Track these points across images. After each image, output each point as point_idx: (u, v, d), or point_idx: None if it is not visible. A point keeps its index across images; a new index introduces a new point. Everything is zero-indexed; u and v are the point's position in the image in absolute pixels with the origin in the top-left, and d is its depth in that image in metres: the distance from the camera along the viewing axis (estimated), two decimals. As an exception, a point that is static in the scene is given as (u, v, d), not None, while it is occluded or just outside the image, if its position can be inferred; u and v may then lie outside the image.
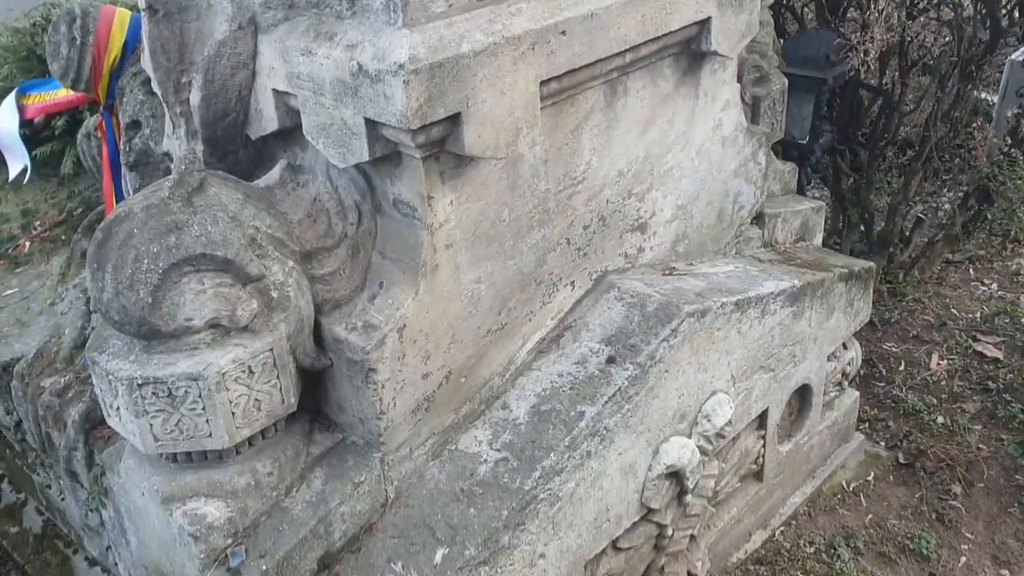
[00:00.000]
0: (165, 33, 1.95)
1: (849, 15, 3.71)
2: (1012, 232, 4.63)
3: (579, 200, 2.23)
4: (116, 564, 2.44)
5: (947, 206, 4.79)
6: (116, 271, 1.70)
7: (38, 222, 3.42)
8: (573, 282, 2.31)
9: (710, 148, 2.58)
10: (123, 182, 2.44)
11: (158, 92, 2.06)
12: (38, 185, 3.62)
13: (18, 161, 3.50)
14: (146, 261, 1.68)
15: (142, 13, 1.94)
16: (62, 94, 3.36)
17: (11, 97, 3.41)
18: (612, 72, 2.14)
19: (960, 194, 4.40)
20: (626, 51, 2.08)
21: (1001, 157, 3.70)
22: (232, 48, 1.90)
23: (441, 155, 1.86)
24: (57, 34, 2.36)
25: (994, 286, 4.51)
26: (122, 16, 2.39)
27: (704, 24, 2.26)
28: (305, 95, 1.85)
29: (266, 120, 2.00)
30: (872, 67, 3.18)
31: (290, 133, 2.03)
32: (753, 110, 2.83)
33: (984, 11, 3.37)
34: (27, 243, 3.31)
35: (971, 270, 4.63)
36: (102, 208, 3.21)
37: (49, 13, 3.78)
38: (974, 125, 3.69)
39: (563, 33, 1.90)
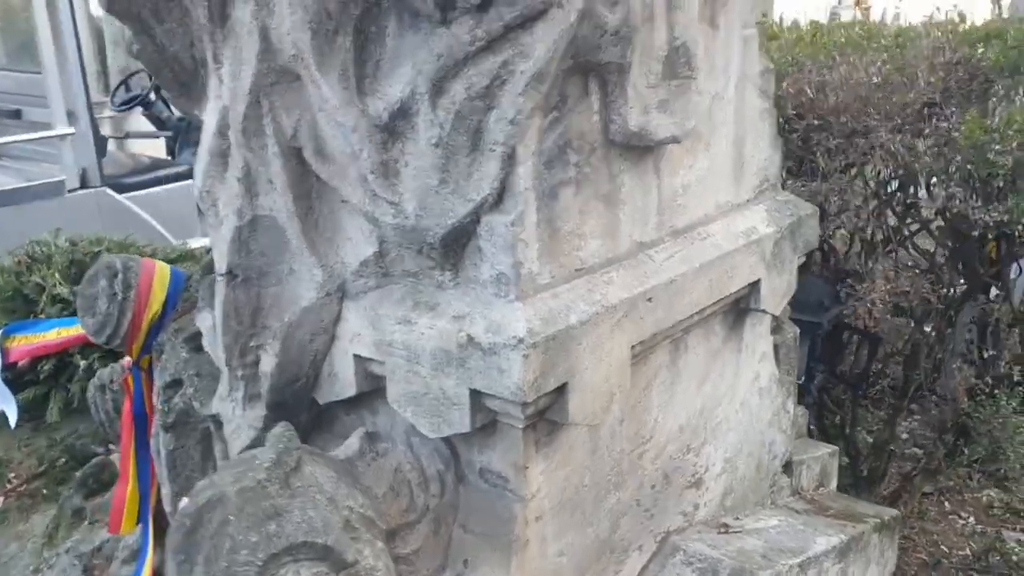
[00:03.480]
0: (241, 298, 1.88)
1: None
2: (988, 468, 4.71)
3: (648, 459, 2.17)
4: None
5: (921, 440, 4.88)
6: (208, 563, 1.53)
7: (12, 474, 3.16)
8: (641, 546, 2.21)
9: (750, 399, 2.59)
10: (155, 442, 2.28)
11: (220, 355, 1.97)
12: (7, 432, 3.38)
13: (-4, 407, 3.27)
14: (244, 552, 1.52)
15: (220, 278, 1.87)
16: (51, 336, 3.19)
17: (-6, 339, 3.23)
18: (679, 331, 2.16)
19: (935, 430, 4.50)
20: (694, 313, 2.11)
21: (982, 396, 3.83)
22: (317, 314, 1.85)
23: (538, 423, 1.79)
24: (94, 288, 2.26)
25: (971, 519, 4.54)
26: (162, 271, 2.32)
27: (755, 285, 2.32)
28: (396, 363, 1.78)
29: (341, 385, 1.92)
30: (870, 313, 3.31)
31: (359, 398, 1.95)
32: (776, 358, 2.88)
33: (960, 261, 3.59)
34: (1, 499, 3.04)
35: (946, 503, 4.67)
36: (98, 460, 3.00)
37: (32, 252, 3.69)
38: (954, 366, 3.83)
39: (649, 300, 1.92)
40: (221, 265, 1.85)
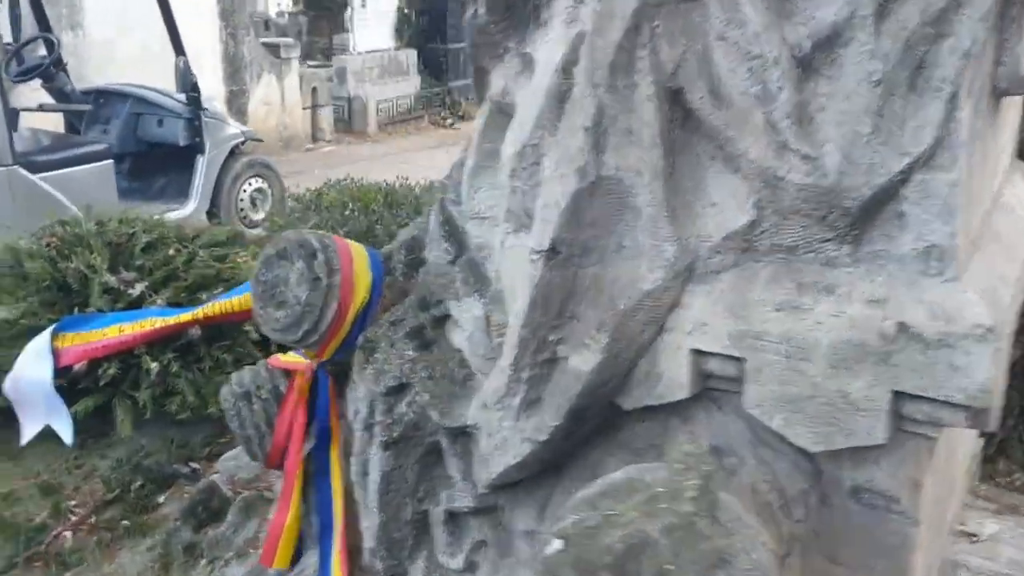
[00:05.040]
0: (556, 280, 1.48)
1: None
2: None
3: (951, 465, 1.90)
4: None
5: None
6: (644, 631, 1.16)
7: (72, 502, 2.61)
8: (936, 564, 1.93)
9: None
10: (359, 462, 1.84)
11: (508, 351, 1.56)
12: (45, 449, 2.81)
13: (39, 421, 2.69)
14: (693, 614, 1.15)
15: (536, 255, 1.47)
16: (112, 333, 2.64)
17: (44, 338, 2.65)
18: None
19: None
20: None
21: None
22: (656, 300, 1.47)
23: (929, 431, 1.48)
24: (281, 271, 1.81)
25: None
26: (359, 250, 1.89)
27: None
28: (765, 359, 1.43)
29: (666, 386, 1.54)
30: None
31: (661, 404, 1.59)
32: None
33: None
34: (67, 534, 2.49)
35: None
36: (206, 484, 2.50)
37: (61, 233, 3.12)
38: None
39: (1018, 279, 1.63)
40: (542, 240, 1.45)
